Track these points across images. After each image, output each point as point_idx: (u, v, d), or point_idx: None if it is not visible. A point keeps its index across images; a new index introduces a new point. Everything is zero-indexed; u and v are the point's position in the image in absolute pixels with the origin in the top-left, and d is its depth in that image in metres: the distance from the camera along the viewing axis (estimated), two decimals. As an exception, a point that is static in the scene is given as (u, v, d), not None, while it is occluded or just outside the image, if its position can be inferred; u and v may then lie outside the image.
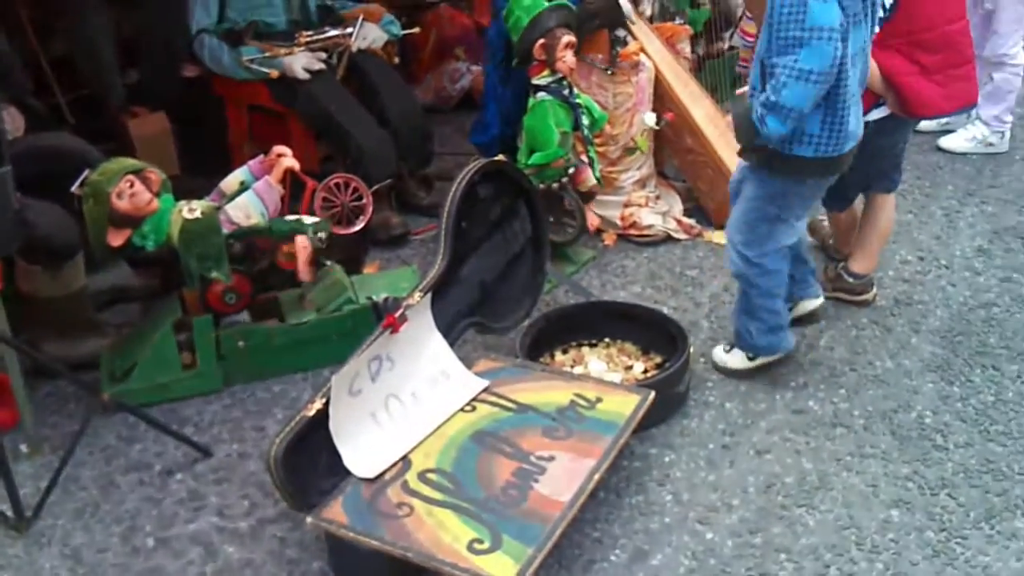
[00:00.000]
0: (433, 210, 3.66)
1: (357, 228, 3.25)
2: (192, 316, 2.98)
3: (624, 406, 2.59)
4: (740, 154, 2.74)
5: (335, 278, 3.10)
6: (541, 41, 3.39)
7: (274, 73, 3.69)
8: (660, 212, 3.76)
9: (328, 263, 3.13)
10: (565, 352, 3.08)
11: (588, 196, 3.56)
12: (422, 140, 3.86)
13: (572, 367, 2.97)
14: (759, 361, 2.98)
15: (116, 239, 2.90)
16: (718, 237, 3.68)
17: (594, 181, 3.53)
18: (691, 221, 3.78)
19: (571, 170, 3.46)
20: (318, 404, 2.42)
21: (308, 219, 3.04)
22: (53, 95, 4.10)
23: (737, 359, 3.01)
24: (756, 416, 2.88)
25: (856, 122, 2.64)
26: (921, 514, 2.53)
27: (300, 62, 3.68)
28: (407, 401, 2.59)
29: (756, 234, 2.77)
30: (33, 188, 2.65)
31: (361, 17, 3.85)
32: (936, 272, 3.52)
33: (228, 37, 3.78)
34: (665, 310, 3.29)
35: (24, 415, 2.77)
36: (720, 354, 3.04)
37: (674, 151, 3.85)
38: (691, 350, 2.98)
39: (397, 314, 2.56)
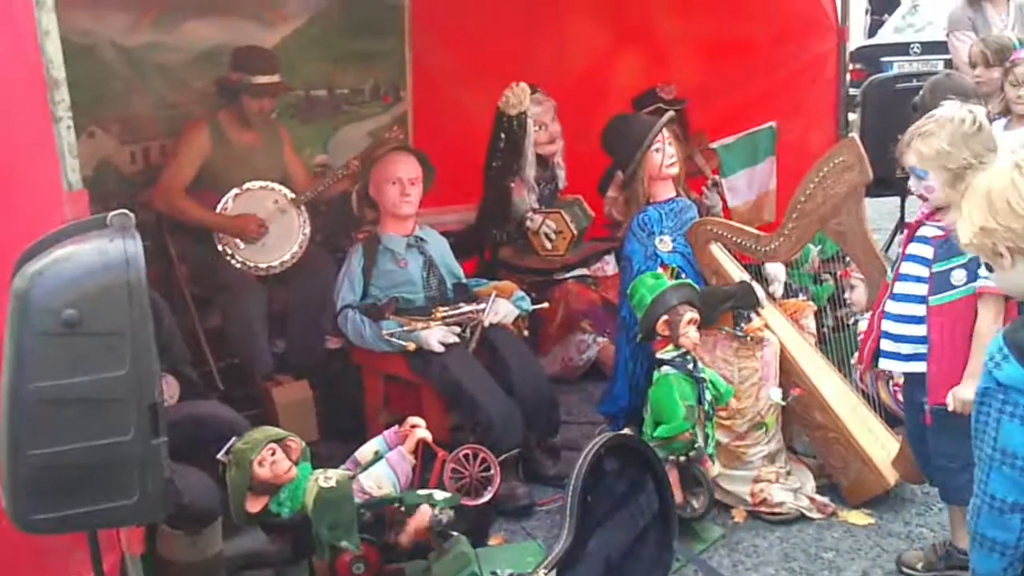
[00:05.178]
0: (559, 480, 3.68)
1: (485, 499, 3.27)
2: (320, 585, 2.94)
3: None
4: None
5: (461, 550, 3.05)
6: (664, 318, 3.47)
7: (411, 346, 3.83)
8: (791, 489, 3.69)
9: (454, 534, 3.08)
10: (694, 639, 3.05)
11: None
12: (549, 410, 3.91)
13: (703, 655, 2.95)
14: None
15: (254, 505, 2.96)
16: (854, 517, 3.63)
17: (717, 472, 3.51)
18: (825, 499, 3.70)
19: (697, 444, 3.46)
20: None
21: (439, 494, 3.06)
22: (206, 363, 4.30)
23: None
24: None
25: None
26: None
27: (436, 335, 3.83)
28: None
29: None
30: (180, 453, 2.61)
31: (494, 294, 4.01)
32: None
33: (370, 312, 3.97)
34: (800, 596, 3.22)
35: None
36: None
37: (803, 427, 3.81)
38: (831, 643, 2.85)
39: (522, 593, 2.56)
